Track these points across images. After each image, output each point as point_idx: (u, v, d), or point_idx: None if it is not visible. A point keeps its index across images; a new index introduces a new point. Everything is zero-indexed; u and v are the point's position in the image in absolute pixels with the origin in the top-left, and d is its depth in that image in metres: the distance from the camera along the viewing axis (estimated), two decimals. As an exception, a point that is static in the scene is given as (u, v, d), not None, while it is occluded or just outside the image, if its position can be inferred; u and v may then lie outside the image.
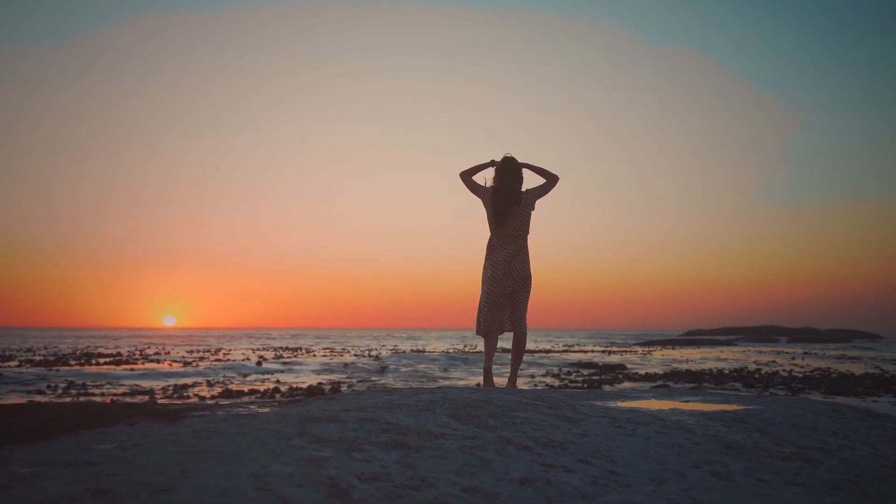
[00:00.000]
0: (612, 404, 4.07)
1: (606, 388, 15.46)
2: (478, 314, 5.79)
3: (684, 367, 25.39)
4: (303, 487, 2.15)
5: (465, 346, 49.34)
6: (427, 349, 41.36)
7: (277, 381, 18.31)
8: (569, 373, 21.96)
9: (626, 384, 17.74)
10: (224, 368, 22.28)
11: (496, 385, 5.63)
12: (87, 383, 17.06)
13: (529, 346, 46.26)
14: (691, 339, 67.99)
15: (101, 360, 26.43)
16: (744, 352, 41.36)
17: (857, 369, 23.59)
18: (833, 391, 15.29)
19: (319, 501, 2.07)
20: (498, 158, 5.75)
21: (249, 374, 20.54)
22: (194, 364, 24.53)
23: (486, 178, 5.80)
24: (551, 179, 5.72)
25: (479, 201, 5.80)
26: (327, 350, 39.04)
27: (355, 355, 32.59)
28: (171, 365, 24.35)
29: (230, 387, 16.57)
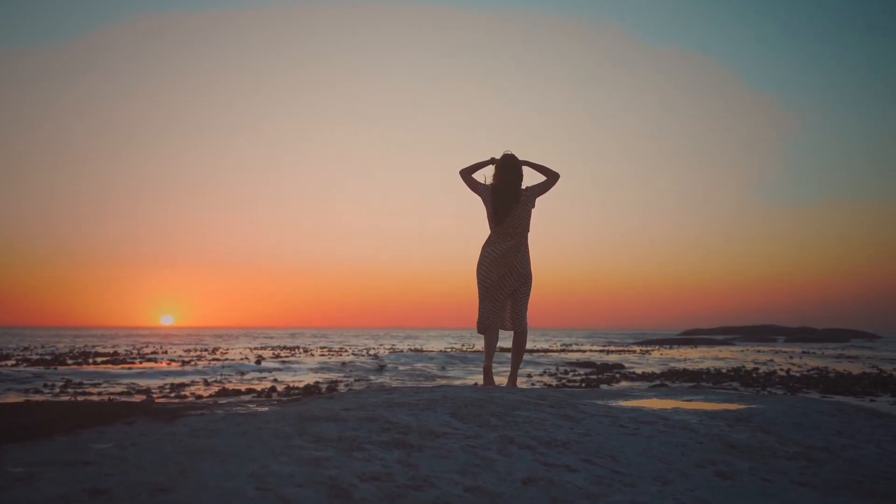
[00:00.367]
0: (613, 403, 4.04)
1: (604, 387, 15.44)
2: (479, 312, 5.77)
3: (682, 366, 25.38)
4: (303, 487, 2.12)
5: (462, 345, 49.32)
6: (425, 348, 41.33)
7: (275, 380, 18.27)
8: (566, 372, 21.93)
9: (624, 383, 17.72)
10: (221, 367, 22.24)
11: (496, 384, 5.60)
12: (85, 382, 17.02)
13: (527, 345, 46.19)
14: (689, 338, 68.00)
15: (99, 359, 26.37)
16: (742, 351, 41.38)
17: (855, 369, 23.59)
18: (831, 390, 15.28)
19: (320, 502, 2.04)
20: (498, 157, 5.72)
21: (247, 373, 20.50)
22: (192, 363, 24.48)
23: (485, 175, 5.77)
24: (552, 177, 5.69)
25: (478, 199, 5.76)
26: (325, 349, 39.00)
27: (353, 354, 32.56)
28: (168, 364, 24.31)
29: (227, 386, 16.53)
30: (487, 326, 5.73)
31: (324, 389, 15.20)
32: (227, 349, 38.67)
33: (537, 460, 2.70)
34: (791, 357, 33.26)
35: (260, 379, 18.77)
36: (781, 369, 23.00)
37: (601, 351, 39.67)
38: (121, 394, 14.61)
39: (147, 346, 41.65)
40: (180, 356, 29.97)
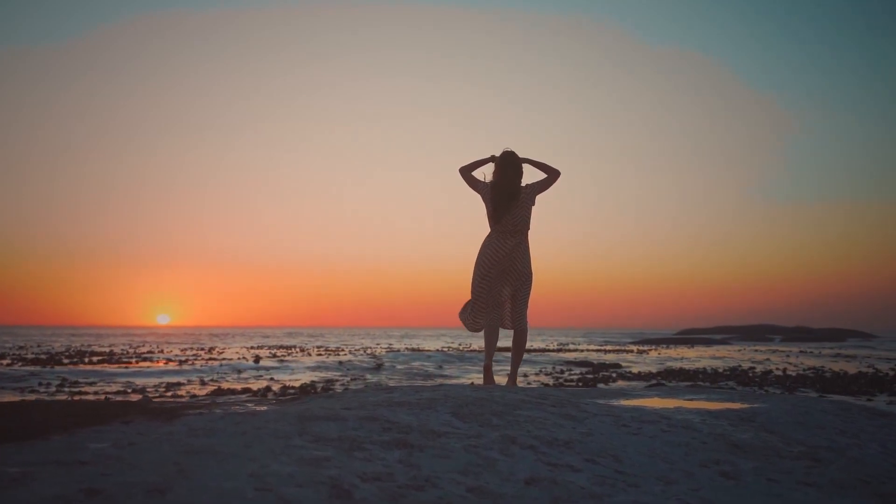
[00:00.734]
0: (615, 403, 4.01)
1: (601, 386, 15.42)
2: (466, 307, 5.73)
3: (679, 365, 25.39)
4: (303, 488, 2.08)
5: (459, 344, 49.30)
6: (422, 347, 41.30)
7: (272, 379, 18.23)
8: (562, 371, 21.91)
9: (621, 383, 17.70)
10: (218, 366, 22.19)
11: (496, 384, 5.56)
12: (80, 381, 16.97)
13: (524, 344, 46.13)
14: (686, 337, 68.03)
15: (95, 359, 26.30)
16: (739, 350, 41.41)
17: (852, 368, 23.60)
18: (827, 390, 15.28)
19: (321, 502, 2.00)
20: (497, 154, 5.68)
21: (243, 372, 20.46)
22: (189, 362, 24.43)
23: (485, 173, 5.73)
24: (552, 174, 5.65)
25: (478, 197, 5.72)
26: (322, 348, 38.96)
27: (350, 353, 32.53)
28: (165, 363, 24.26)
29: (224, 385, 16.49)
30: (481, 326, 5.70)
31: (321, 388, 15.17)
32: (224, 348, 38.61)
33: (540, 460, 2.67)
34: (788, 356, 33.29)
35: (257, 378, 18.73)
36: (778, 369, 23.01)
37: (598, 350, 39.66)
38: (117, 393, 14.56)
39: (143, 346, 41.57)
40: (177, 355, 29.91)
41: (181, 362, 24.51)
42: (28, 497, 1.81)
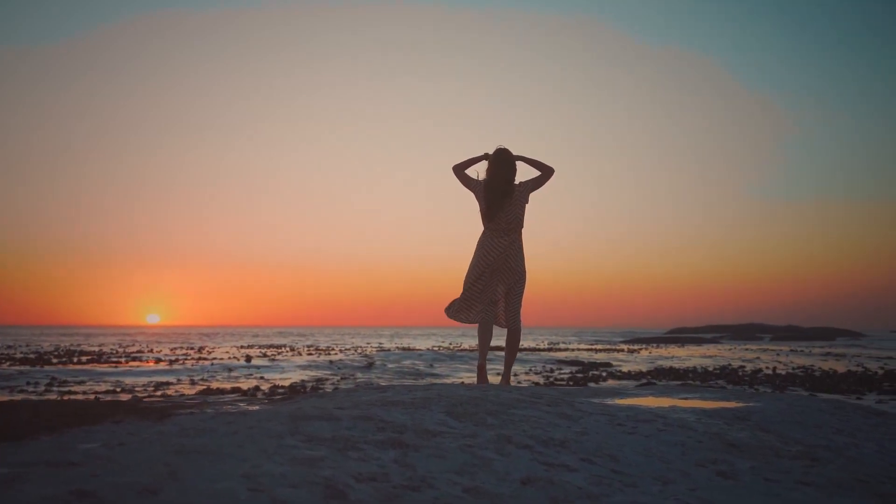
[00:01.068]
0: (610, 402, 3.99)
1: (592, 385, 15.42)
2: (454, 304, 5.70)
3: (669, 364, 25.43)
4: (297, 488, 2.05)
5: (450, 343, 49.28)
6: (413, 346, 41.26)
7: (262, 378, 18.16)
8: (551, 370, 21.91)
9: (611, 382, 17.71)
10: (209, 366, 22.11)
11: (489, 383, 5.54)
12: (70, 380, 16.87)
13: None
14: (677, 336, 68.22)
15: (84, 358, 26.17)
16: (730, 349, 41.52)
17: (841, 367, 23.69)
18: (817, 388, 15.32)
19: (315, 503, 1.97)
20: (491, 152, 5.64)
21: (234, 371, 20.38)
22: (180, 362, 24.34)
23: (478, 171, 5.69)
24: (546, 172, 5.62)
25: (471, 196, 5.69)
26: (313, 348, 38.88)
27: (341, 352, 32.47)
28: (155, 363, 24.15)
29: (214, 384, 16.42)
30: (471, 318, 5.67)
31: (312, 387, 15.11)
32: (214, 348, 38.49)
33: (536, 460, 2.64)
34: (778, 355, 33.40)
35: (248, 377, 18.66)
36: (767, 367, 23.08)
37: (589, 349, 39.69)
38: (106, 392, 14.48)
39: (133, 345, 41.40)
40: (167, 355, 29.79)
41: (171, 362, 24.41)
42: (17, 499, 1.78)
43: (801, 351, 39.26)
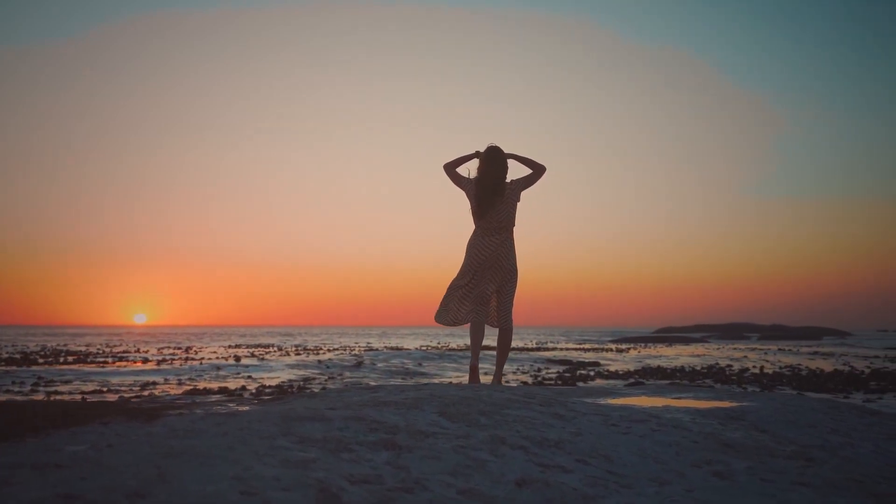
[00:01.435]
0: (603, 402, 3.96)
1: (581, 384, 15.42)
2: (444, 304, 5.66)
3: (657, 363, 25.48)
4: (290, 491, 2.01)
5: (438, 343, 49.24)
6: (401, 346, 41.19)
7: (250, 378, 18.08)
8: (539, 370, 21.91)
9: (599, 381, 17.71)
10: (197, 366, 21.99)
11: (482, 383, 5.50)
12: (56, 380, 16.74)
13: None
14: (665, 336, 68.48)
15: (70, 358, 26.00)
16: (717, 349, 41.66)
17: (828, 366, 23.79)
18: (804, 388, 15.37)
19: (308, 506, 1.93)
20: (482, 150, 5.60)
21: (221, 371, 20.28)
22: (167, 362, 24.21)
23: (469, 169, 5.66)
24: (537, 170, 5.59)
25: (462, 194, 5.65)
26: (301, 347, 38.76)
27: (330, 351, 32.39)
28: (143, 363, 24.02)
29: (201, 384, 16.32)
30: (460, 319, 5.63)
31: (299, 387, 15.04)
32: (202, 347, 38.32)
33: (530, 461, 2.61)
34: (766, 354, 33.53)
35: (236, 376, 18.56)
36: (754, 367, 23.16)
37: (577, 349, 39.73)
38: (93, 392, 14.37)
39: (120, 345, 41.17)
40: (154, 355, 29.63)
41: (159, 362, 24.27)
42: (3, 503, 1.73)
43: (789, 350, 39.43)
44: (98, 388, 15.37)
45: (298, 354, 29.78)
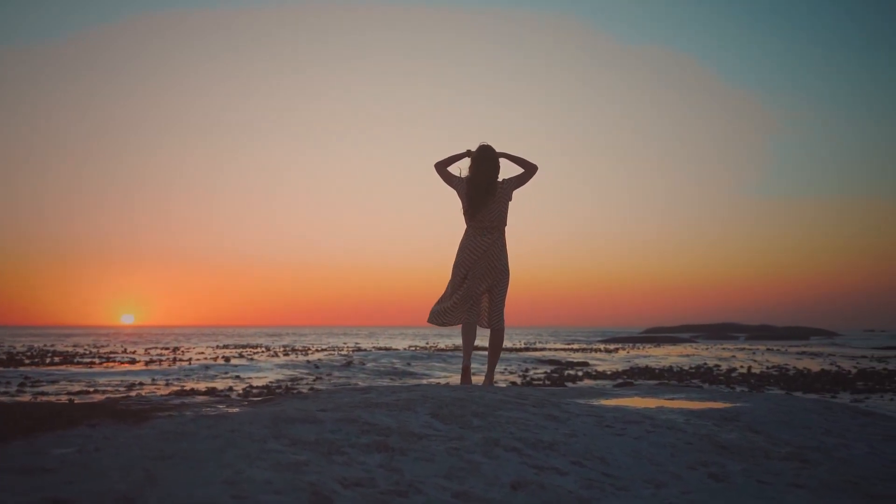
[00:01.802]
0: (596, 403, 3.94)
1: (569, 384, 15.42)
2: (438, 306, 5.63)
3: (646, 363, 25.51)
4: (282, 495, 1.98)
5: (427, 342, 49.19)
6: (390, 346, 41.13)
7: (238, 378, 17.99)
8: (527, 370, 21.89)
9: (588, 381, 17.71)
10: (187, 366, 21.88)
11: (473, 384, 5.47)
12: (42, 381, 16.61)
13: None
14: (653, 336, 68.59)
15: (57, 358, 25.82)
16: (706, 349, 41.77)
17: (815, 366, 23.87)
18: (791, 388, 15.41)
19: (301, 510, 1.90)
20: (473, 149, 5.57)
21: (209, 371, 20.18)
22: (156, 362, 24.08)
23: (461, 168, 5.62)
24: (529, 169, 5.56)
25: (453, 194, 5.62)
26: (290, 347, 38.65)
27: (318, 351, 32.30)
28: (131, 364, 23.88)
29: (189, 384, 16.23)
30: (455, 320, 5.60)
31: (286, 387, 14.98)
32: (190, 348, 38.16)
33: (525, 463, 2.58)
34: (754, 354, 33.64)
35: (224, 376, 18.47)
36: (742, 367, 23.21)
37: (566, 349, 39.75)
38: (79, 393, 14.26)
39: (107, 346, 40.95)
40: (141, 355, 29.48)
41: (147, 362, 24.15)
42: (-14, 508, 1.69)
43: (777, 350, 39.57)
44: (85, 388, 15.26)
45: (287, 355, 29.67)
